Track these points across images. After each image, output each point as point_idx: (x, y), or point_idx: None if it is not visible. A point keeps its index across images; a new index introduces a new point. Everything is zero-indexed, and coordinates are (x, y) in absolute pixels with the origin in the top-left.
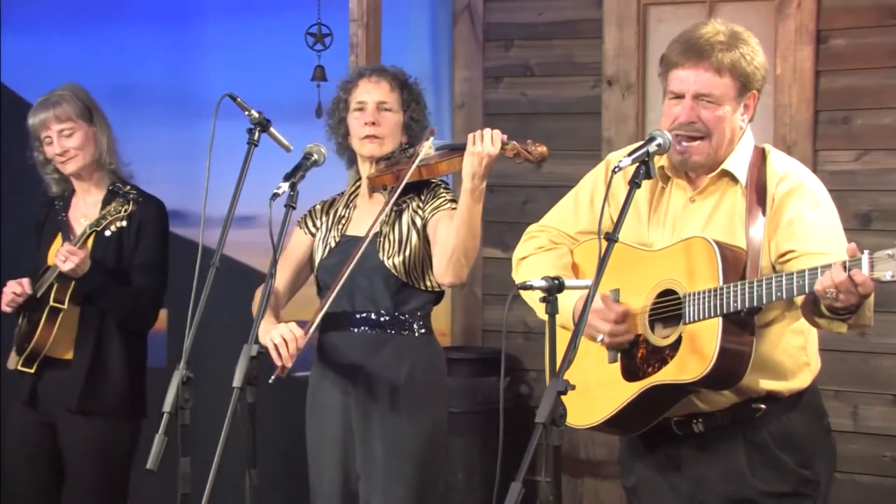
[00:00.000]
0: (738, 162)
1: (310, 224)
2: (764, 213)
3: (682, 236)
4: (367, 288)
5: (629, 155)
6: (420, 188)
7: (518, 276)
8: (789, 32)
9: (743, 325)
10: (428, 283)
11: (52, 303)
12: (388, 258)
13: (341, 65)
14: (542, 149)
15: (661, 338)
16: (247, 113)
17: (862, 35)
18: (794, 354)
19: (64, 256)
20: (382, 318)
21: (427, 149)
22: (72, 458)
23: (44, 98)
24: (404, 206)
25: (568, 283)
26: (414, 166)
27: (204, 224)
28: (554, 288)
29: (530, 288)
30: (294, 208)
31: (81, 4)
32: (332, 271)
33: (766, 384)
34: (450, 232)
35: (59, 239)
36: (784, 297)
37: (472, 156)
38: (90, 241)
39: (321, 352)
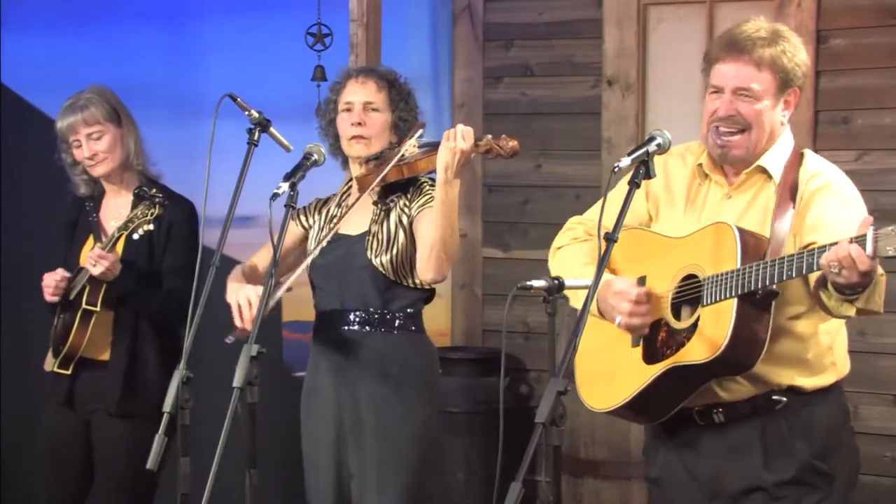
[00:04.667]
0: (775, 159)
1: (303, 219)
2: (794, 208)
3: None
4: (356, 287)
5: (629, 155)
6: (406, 186)
7: (552, 265)
8: None
9: (759, 310)
10: (417, 281)
11: (84, 305)
12: (376, 257)
13: (341, 65)
14: (514, 143)
15: (683, 321)
16: (247, 113)
17: (862, 35)
18: (819, 353)
19: (94, 260)
20: (372, 317)
21: (412, 147)
22: (104, 457)
23: (71, 101)
24: (392, 205)
25: (568, 282)
26: (392, 164)
27: (204, 224)
28: (554, 288)
29: (530, 288)
30: (294, 208)
31: (81, 4)
32: (325, 271)
33: (788, 377)
34: (428, 228)
35: (90, 240)
36: (794, 274)
37: (445, 150)
38: (120, 245)
39: (314, 351)
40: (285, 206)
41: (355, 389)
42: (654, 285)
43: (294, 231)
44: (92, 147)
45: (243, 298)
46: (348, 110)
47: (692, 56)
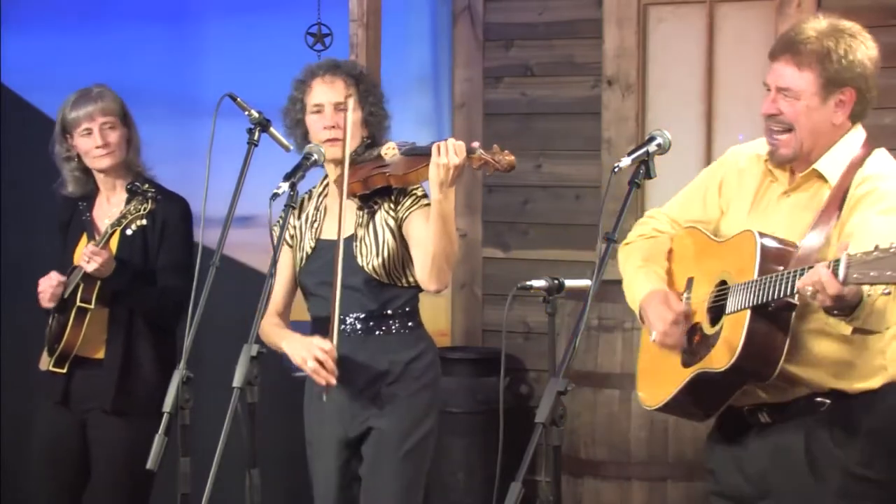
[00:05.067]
0: (833, 162)
1: (287, 237)
2: (839, 216)
3: (764, 230)
4: (350, 291)
5: (629, 155)
6: (390, 188)
7: (619, 261)
8: None
9: (773, 321)
10: (410, 280)
11: (78, 303)
12: (367, 262)
13: None
14: (510, 158)
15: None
16: (247, 113)
17: None
18: (866, 356)
19: (88, 257)
20: (369, 319)
21: (391, 149)
22: (100, 455)
23: (82, 92)
24: (376, 207)
25: (568, 282)
26: (347, 165)
27: (204, 224)
28: (554, 288)
29: (530, 288)
30: (294, 208)
31: (81, 4)
32: (313, 274)
33: (827, 380)
34: (426, 240)
35: (84, 239)
36: (781, 295)
37: (437, 167)
38: (114, 241)
39: None
40: (285, 206)
41: (357, 391)
42: (699, 288)
43: (287, 257)
44: (105, 136)
45: (312, 361)
46: (318, 112)
47: (692, 56)
